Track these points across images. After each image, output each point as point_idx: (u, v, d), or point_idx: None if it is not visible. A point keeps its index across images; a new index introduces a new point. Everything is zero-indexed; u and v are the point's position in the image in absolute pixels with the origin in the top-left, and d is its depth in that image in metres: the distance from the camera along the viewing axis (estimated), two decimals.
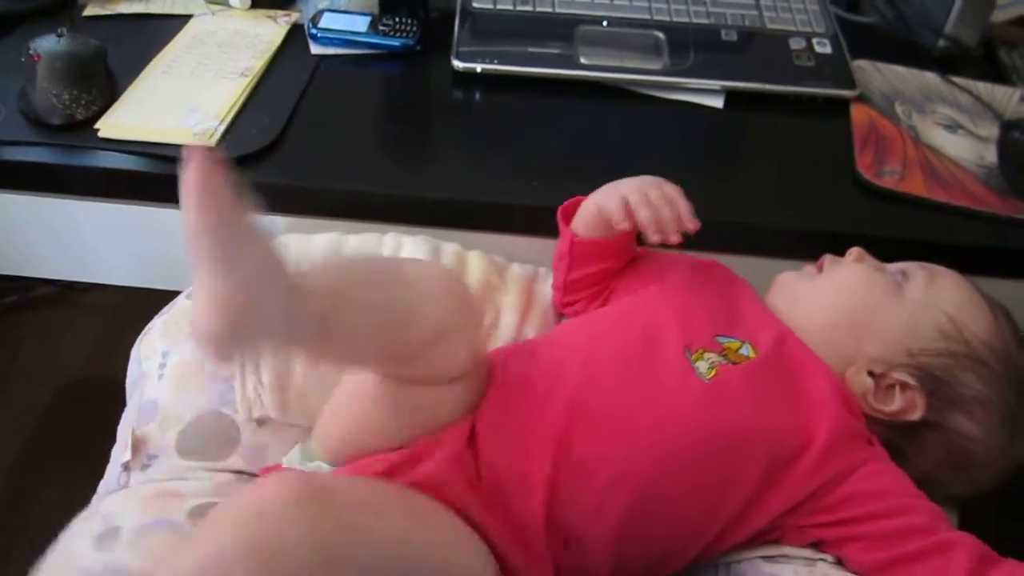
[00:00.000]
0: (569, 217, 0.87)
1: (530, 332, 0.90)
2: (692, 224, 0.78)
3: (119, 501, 0.76)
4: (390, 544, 0.63)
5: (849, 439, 0.73)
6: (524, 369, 0.77)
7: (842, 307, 0.80)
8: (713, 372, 0.74)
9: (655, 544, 0.72)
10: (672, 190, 0.80)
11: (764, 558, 0.74)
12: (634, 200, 0.79)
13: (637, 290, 0.85)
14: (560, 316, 0.92)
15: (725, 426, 0.72)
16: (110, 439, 0.84)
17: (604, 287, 0.88)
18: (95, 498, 0.80)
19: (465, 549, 0.69)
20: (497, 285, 0.92)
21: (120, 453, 0.81)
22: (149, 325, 0.89)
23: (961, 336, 0.77)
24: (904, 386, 0.76)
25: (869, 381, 0.77)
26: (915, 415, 0.76)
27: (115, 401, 0.89)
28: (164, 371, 0.85)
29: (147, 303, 0.95)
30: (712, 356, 0.76)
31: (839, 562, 0.73)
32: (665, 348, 0.76)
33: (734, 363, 0.76)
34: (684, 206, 0.79)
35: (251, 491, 0.60)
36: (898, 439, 0.77)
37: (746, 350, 0.77)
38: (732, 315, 0.81)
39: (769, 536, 0.74)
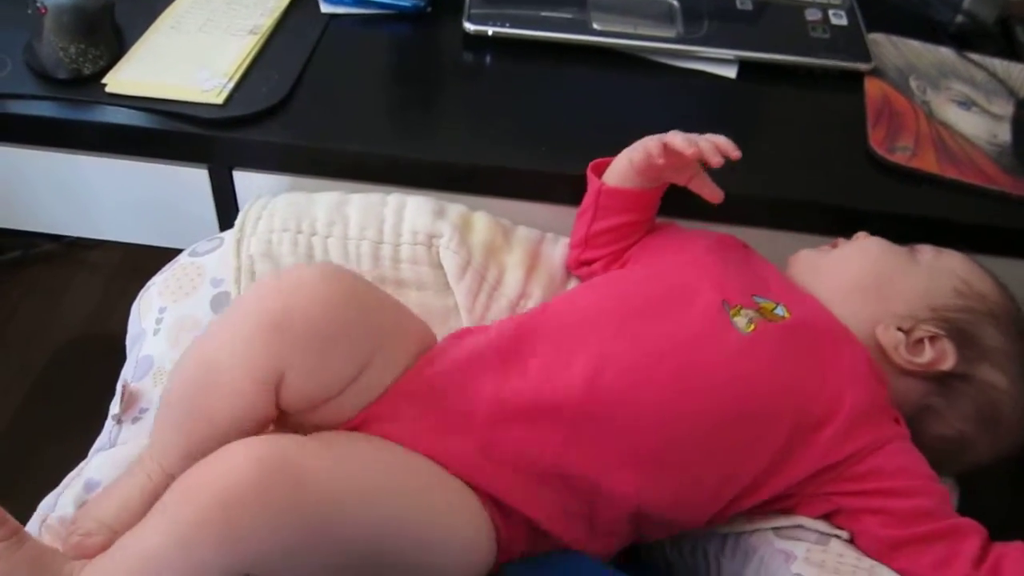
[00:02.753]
0: (598, 174, 0.88)
1: (535, 290, 0.90)
2: (735, 151, 0.79)
3: (103, 462, 0.76)
4: (367, 508, 0.63)
5: (877, 411, 0.75)
6: (549, 325, 0.77)
7: (867, 269, 0.83)
8: (752, 327, 0.75)
9: (673, 497, 0.73)
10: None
11: (776, 530, 0.75)
12: (670, 135, 0.81)
13: (659, 254, 0.86)
14: (568, 279, 0.92)
15: (760, 382, 0.73)
16: (110, 397, 0.84)
17: (625, 247, 0.88)
18: (89, 454, 0.80)
19: (454, 499, 0.69)
20: (501, 245, 0.91)
21: (113, 406, 0.81)
22: (150, 282, 0.89)
23: (976, 294, 0.80)
24: (933, 338, 0.78)
25: (900, 335, 0.79)
26: (947, 364, 0.78)
27: (115, 359, 0.88)
28: (160, 326, 0.85)
29: (150, 260, 0.95)
30: (750, 312, 0.76)
31: (851, 540, 0.73)
32: (701, 301, 0.77)
33: (770, 321, 0.76)
34: (722, 139, 0.80)
35: (218, 464, 0.59)
36: (934, 396, 0.79)
37: (781, 311, 0.78)
38: (762, 280, 0.82)
39: (787, 502, 0.75)
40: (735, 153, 0.79)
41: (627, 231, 0.88)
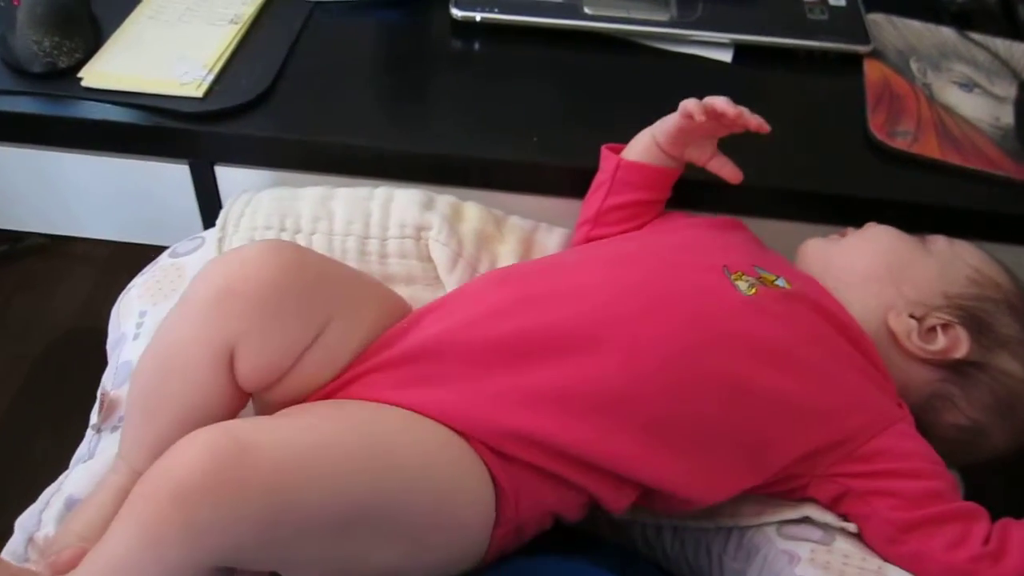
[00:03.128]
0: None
1: None
2: (766, 126, 0.80)
3: (82, 476, 0.74)
4: (335, 480, 0.60)
5: (876, 391, 0.75)
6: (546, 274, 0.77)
7: (878, 257, 0.82)
8: (753, 290, 0.75)
9: (683, 465, 0.70)
10: None
11: (780, 528, 0.74)
12: (710, 98, 0.80)
13: (659, 232, 0.85)
14: None
15: (760, 340, 0.72)
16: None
17: (635, 227, 0.87)
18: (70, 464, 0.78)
19: (431, 444, 0.67)
20: (493, 234, 0.89)
21: (93, 415, 0.80)
22: (130, 284, 0.87)
23: (991, 282, 0.80)
24: (946, 326, 0.77)
25: (912, 322, 0.78)
26: (961, 352, 0.76)
27: (106, 353, 0.87)
28: (140, 331, 0.83)
29: (140, 254, 0.94)
30: (751, 279, 0.76)
31: (858, 534, 0.72)
32: (703, 263, 0.77)
33: (771, 288, 0.76)
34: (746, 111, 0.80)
35: (171, 458, 0.57)
36: (948, 385, 0.78)
37: (782, 282, 0.77)
38: (765, 256, 0.82)
39: (796, 483, 0.74)
40: (766, 127, 0.79)
41: (640, 209, 0.87)
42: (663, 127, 0.84)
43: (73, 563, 0.59)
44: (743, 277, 0.76)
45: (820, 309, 0.76)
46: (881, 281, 0.80)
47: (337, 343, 0.71)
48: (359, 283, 0.77)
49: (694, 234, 0.84)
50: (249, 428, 0.61)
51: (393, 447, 0.65)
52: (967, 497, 0.74)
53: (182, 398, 0.67)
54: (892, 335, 0.78)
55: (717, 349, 0.71)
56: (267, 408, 0.71)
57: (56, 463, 0.78)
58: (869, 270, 0.81)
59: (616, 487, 0.71)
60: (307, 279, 0.70)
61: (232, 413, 0.70)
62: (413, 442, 0.66)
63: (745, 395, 0.71)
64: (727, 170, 0.85)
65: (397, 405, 0.68)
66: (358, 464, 0.61)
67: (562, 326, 0.71)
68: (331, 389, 0.71)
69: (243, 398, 0.70)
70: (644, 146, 0.86)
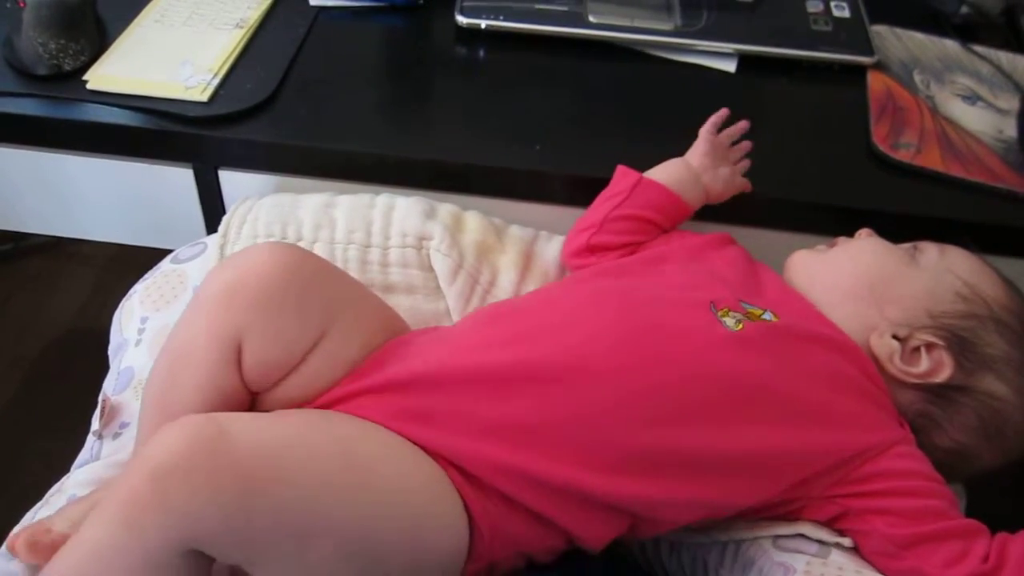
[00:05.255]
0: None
1: (530, 290, 0.87)
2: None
3: (86, 477, 0.75)
4: (309, 481, 0.60)
5: (875, 412, 0.74)
6: (528, 312, 0.77)
7: (860, 275, 0.80)
8: (740, 326, 0.73)
9: (657, 482, 0.70)
10: None
11: (776, 541, 0.73)
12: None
13: (651, 262, 0.84)
14: (563, 275, 0.90)
15: (747, 376, 0.71)
16: (101, 392, 0.83)
17: (635, 244, 0.86)
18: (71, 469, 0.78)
19: (407, 464, 0.67)
20: (494, 245, 0.89)
21: (94, 421, 0.80)
22: (131, 291, 0.87)
23: (980, 298, 0.77)
24: (930, 347, 0.76)
25: (895, 343, 0.76)
26: (943, 375, 0.75)
27: (107, 353, 0.87)
28: (142, 337, 0.83)
29: (140, 256, 0.94)
30: (737, 315, 0.75)
31: (855, 548, 0.72)
32: (690, 300, 0.76)
33: (758, 323, 0.75)
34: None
35: (153, 442, 0.58)
36: (931, 407, 0.76)
37: (768, 316, 0.76)
38: (754, 288, 0.81)
39: (793, 506, 0.73)
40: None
41: (645, 226, 0.86)
42: (693, 149, 0.88)
43: (52, 546, 0.61)
44: (729, 313, 0.75)
45: (811, 337, 0.75)
46: (864, 301, 0.79)
47: (337, 350, 0.72)
48: (359, 292, 0.78)
49: (680, 269, 0.82)
50: (232, 417, 0.62)
51: (372, 465, 0.65)
52: (968, 511, 0.74)
53: (194, 392, 0.68)
54: (875, 357, 0.76)
55: (699, 386, 0.70)
56: (269, 409, 0.72)
57: (54, 464, 0.78)
58: (852, 289, 0.80)
59: (604, 520, 0.71)
60: (310, 278, 0.72)
61: (240, 409, 0.71)
62: (392, 465, 0.67)
63: (730, 431, 0.70)
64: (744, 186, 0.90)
65: (384, 426, 0.69)
66: (334, 475, 0.62)
67: (549, 361, 0.70)
68: (323, 402, 0.72)
69: (245, 393, 0.71)
70: (671, 167, 0.88)
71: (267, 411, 0.71)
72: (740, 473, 0.71)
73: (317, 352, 0.71)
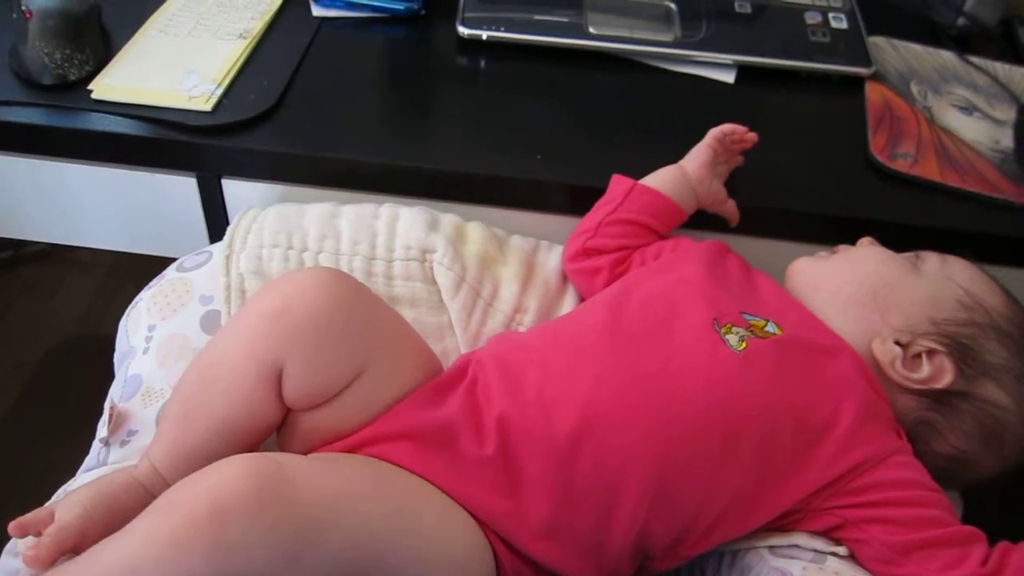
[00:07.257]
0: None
1: (531, 303, 0.88)
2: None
3: (89, 479, 0.74)
4: (359, 531, 0.62)
5: (877, 422, 0.74)
6: (541, 351, 0.77)
7: (864, 281, 0.81)
8: (744, 344, 0.74)
9: (681, 524, 0.72)
10: None
11: (772, 548, 0.74)
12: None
13: (652, 274, 0.84)
14: (563, 288, 0.90)
15: (755, 398, 0.72)
16: (103, 398, 0.83)
17: (630, 249, 0.87)
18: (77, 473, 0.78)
19: (450, 522, 0.69)
20: (496, 256, 0.90)
21: (100, 428, 0.80)
22: (137, 298, 0.87)
23: (981, 307, 0.78)
24: (931, 353, 0.76)
25: (897, 349, 0.76)
26: (945, 381, 0.75)
27: (108, 359, 0.87)
28: (150, 344, 0.83)
29: (141, 263, 0.94)
30: (740, 330, 0.75)
31: (851, 556, 0.72)
32: (693, 320, 0.76)
33: (761, 338, 0.75)
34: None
35: (213, 474, 0.59)
36: (932, 414, 0.77)
37: (771, 327, 0.76)
38: (754, 297, 0.81)
39: (791, 518, 0.73)
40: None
41: (640, 230, 0.88)
42: (691, 156, 0.89)
43: (56, 550, 0.62)
44: (733, 329, 0.75)
45: (815, 347, 0.76)
46: (867, 307, 0.79)
47: (378, 386, 0.73)
48: (402, 327, 0.78)
49: (685, 280, 0.81)
50: (293, 463, 0.62)
51: (419, 516, 0.67)
52: (965, 518, 0.74)
53: (221, 409, 0.69)
54: (877, 362, 0.77)
55: (713, 416, 0.71)
56: (294, 431, 0.72)
57: (57, 469, 0.78)
58: (855, 295, 0.80)
59: (630, 565, 0.73)
60: (357, 312, 0.72)
61: (267, 431, 0.71)
62: (434, 513, 0.68)
63: (737, 450, 0.71)
64: (733, 214, 0.91)
65: (426, 479, 0.70)
66: (384, 522, 0.64)
67: (561, 425, 0.71)
68: (359, 440, 0.72)
69: (278, 418, 0.71)
70: (666, 174, 0.88)
71: (296, 429, 0.72)
72: (743, 494, 0.72)
73: (358, 385, 0.72)
